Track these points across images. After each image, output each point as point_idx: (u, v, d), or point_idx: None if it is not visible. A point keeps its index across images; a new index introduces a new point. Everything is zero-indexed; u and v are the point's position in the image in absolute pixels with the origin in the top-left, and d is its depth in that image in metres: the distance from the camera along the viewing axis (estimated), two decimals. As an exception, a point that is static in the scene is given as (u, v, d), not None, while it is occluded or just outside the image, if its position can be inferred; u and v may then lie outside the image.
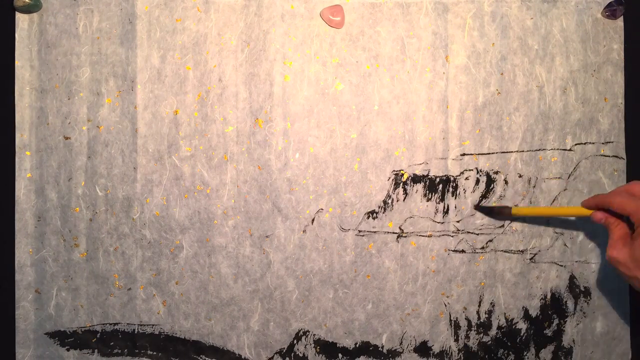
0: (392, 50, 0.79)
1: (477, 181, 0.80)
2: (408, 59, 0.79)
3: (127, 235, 0.79)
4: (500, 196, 0.80)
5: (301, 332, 0.80)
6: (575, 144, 0.80)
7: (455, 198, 0.79)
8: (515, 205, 0.79)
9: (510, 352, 0.81)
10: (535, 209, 0.78)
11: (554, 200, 0.80)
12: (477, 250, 0.80)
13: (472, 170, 0.80)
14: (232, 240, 0.79)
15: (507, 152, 0.79)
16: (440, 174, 0.79)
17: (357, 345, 0.80)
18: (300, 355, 0.80)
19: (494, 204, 0.79)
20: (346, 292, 0.79)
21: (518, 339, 0.81)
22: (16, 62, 0.77)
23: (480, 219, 0.80)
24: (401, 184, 0.79)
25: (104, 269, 0.79)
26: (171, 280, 0.79)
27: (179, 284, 0.79)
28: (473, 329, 0.81)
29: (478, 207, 0.78)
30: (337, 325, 0.80)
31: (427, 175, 0.79)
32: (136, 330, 0.79)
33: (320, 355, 0.80)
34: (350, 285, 0.79)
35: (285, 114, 0.78)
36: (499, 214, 0.78)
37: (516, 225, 0.80)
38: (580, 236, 0.81)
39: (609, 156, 0.80)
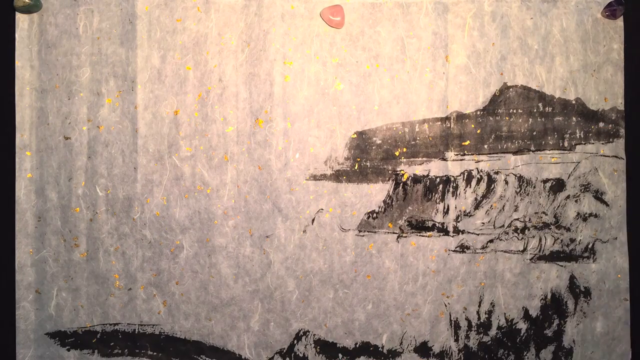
0: (392, 50, 0.79)
1: (478, 181, 0.80)
2: (408, 59, 0.79)
3: (127, 235, 0.79)
4: (501, 196, 0.80)
5: (301, 332, 0.80)
6: (575, 144, 0.80)
7: (455, 198, 0.80)
8: None
9: (510, 352, 0.81)
10: None
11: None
12: (477, 251, 0.80)
13: (472, 170, 0.80)
14: (232, 241, 0.79)
15: (507, 152, 0.80)
16: (440, 174, 0.79)
17: (357, 346, 0.80)
18: (301, 355, 0.80)
19: None
20: (346, 292, 0.79)
21: (518, 339, 0.81)
22: (16, 62, 0.77)
23: (481, 219, 0.80)
24: (401, 184, 0.79)
25: (104, 269, 0.79)
26: (171, 280, 0.79)
27: (179, 284, 0.79)
28: (473, 329, 0.81)
29: None
30: (337, 325, 0.80)
31: (427, 175, 0.79)
32: (136, 331, 0.79)
33: (321, 355, 0.80)
34: (350, 285, 0.79)
35: (285, 114, 0.78)
36: None
37: (516, 224, 0.80)
38: (581, 236, 0.81)
39: (609, 156, 0.80)
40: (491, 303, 0.80)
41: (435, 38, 0.79)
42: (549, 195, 0.80)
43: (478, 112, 0.79)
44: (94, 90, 0.78)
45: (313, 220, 0.79)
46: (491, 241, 0.80)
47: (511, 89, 0.79)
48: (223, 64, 0.78)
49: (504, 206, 0.80)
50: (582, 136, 0.80)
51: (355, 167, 0.79)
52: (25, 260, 0.78)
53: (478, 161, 0.79)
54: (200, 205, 0.78)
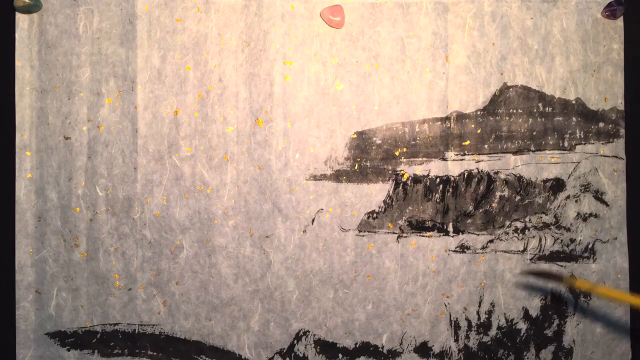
0: (392, 50, 0.79)
1: (478, 181, 0.80)
2: (408, 59, 0.79)
3: (127, 235, 0.79)
4: (500, 196, 0.80)
5: (301, 332, 0.80)
6: (575, 144, 0.80)
7: (455, 198, 0.79)
8: (575, 277, 0.75)
9: (510, 353, 0.81)
10: (602, 290, 0.64)
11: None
12: (477, 251, 0.80)
13: (472, 170, 0.80)
14: (232, 241, 0.79)
15: (507, 152, 0.80)
16: (441, 174, 0.79)
17: (357, 346, 0.80)
18: (301, 355, 0.80)
19: (548, 270, 0.76)
20: (346, 292, 0.79)
21: (518, 339, 0.81)
22: (16, 62, 0.77)
23: (480, 219, 0.80)
24: (401, 184, 0.79)
25: (104, 269, 0.79)
26: (171, 280, 0.79)
27: (179, 284, 0.79)
28: (473, 329, 0.81)
29: (528, 272, 0.76)
30: (337, 326, 0.80)
31: (427, 175, 0.79)
32: (136, 331, 0.79)
33: (320, 355, 0.80)
34: (350, 285, 0.79)
35: (285, 114, 0.78)
36: (555, 279, 0.76)
37: (516, 224, 0.80)
38: (581, 236, 0.81)
39: (608, 156, 0.80)
40: (491, 303, 0.80)
41: (435, 38, 0.79)
42: (549, 196, 0.80)
43: (478, 112, 0.79)
44: (94, 90, 0.78)
45: (313, 220, 0.79)
46: (491, 241, 0.80)
47: (511, 89, 0.79)
48: (223, 64, 0.78)
49: (503, 206, 0.80)
50: (582, 136, 0.80)
51: (355, 167, 0.79)
52: (25, 260, 0.78)
53: (478, 161, 0.79)
54: (200, 205, 0.78)
